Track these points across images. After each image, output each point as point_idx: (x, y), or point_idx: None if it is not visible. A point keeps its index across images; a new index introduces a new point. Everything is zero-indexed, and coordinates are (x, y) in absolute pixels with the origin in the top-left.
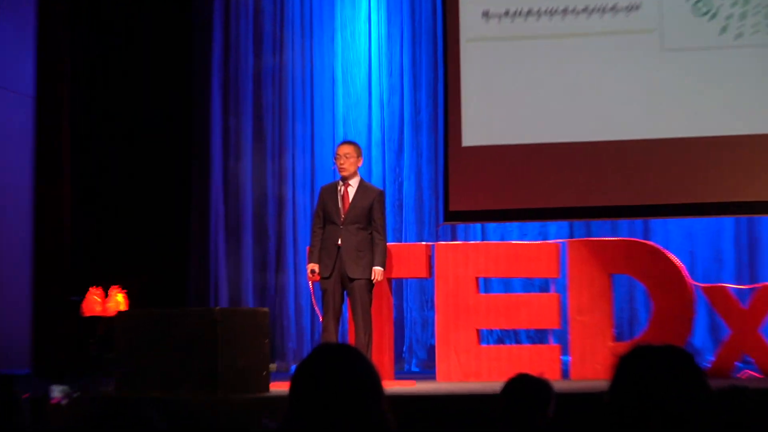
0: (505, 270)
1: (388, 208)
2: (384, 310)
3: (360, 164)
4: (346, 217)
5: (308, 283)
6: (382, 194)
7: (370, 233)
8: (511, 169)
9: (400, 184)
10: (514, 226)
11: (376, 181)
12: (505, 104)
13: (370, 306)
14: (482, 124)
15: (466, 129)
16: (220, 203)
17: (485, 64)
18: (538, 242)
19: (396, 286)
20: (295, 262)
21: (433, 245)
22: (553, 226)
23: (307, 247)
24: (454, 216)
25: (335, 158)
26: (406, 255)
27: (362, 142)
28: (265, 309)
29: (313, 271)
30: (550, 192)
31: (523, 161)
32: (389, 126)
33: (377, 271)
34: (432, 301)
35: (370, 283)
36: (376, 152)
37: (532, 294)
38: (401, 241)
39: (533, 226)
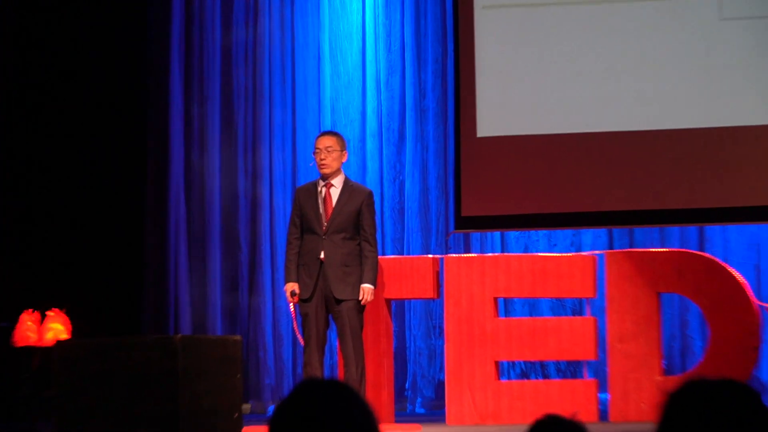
0: (529, 289)
1: (387, 214)
2: (382, 339)
3: (344, 159)
4: (329, 225)
5: (288, 306)
6: (371, 196)
7: (359, 244)
8: (537, 165)
9: (401, 184)
10: (540, 234)
11: (371, 181)
12: (531, 85)
13: (362, 332)
14: (502, 110)
15: (481, 116)
16: (182, 208)
17: (506, 36)
18: (570, 254)
19: (396, 308)
20: (273, 279)
21: (442, 259)
22: (588, 234)
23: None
24: (468, 222)
25: (314, 153)
26: (409, 270)
27: (354, 133)
28: (237, 337)
29: (293, 293)
30: (585, 193)
31: (551, 156)
32: (388, 113)
33: (366, 290)
34: (441, 327)
35: (361, 305)
36: (371, 145)
37: (563, 318)
38: (403, 254)
39: (564, 234)
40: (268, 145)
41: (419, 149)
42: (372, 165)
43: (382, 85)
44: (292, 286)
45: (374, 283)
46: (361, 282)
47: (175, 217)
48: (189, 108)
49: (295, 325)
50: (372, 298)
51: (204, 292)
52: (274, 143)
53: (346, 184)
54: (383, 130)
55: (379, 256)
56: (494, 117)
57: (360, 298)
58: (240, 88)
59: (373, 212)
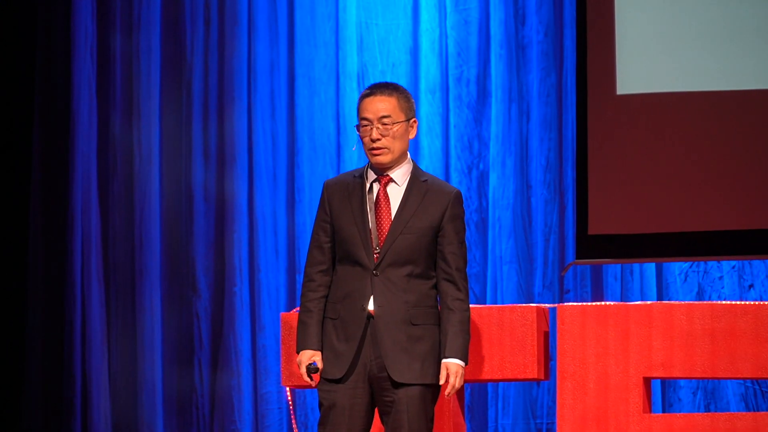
0: (706, 363)
1: None
2: None
3: (413, 135)
4: (385, 252)
5: (287, 391)
6: (460, 199)
7: (434, 286)
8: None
9: (482, 178)
10: (725, 267)
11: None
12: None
13: None
14: (655, 55)
15: (623, 62)
16: (94, 215)
17: None
18: None
19: (473, 397)
20: (254, 342)
21: (554, 309)
22: None
23: (297, 311)
24: (600, 246)
25: (360, 126)
26: (497, 331)
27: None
28: None
29: (312, 368)
30: None
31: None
32: (458, 51)
33: (452, 370)
34: (549, 427)
35: (435, 395)
36: (428, 107)
37: (766, 414)
38: (485, 302)
39: (761, 267)
40: (246, 108)
41: (514, 116)
42: (429, 143)
43: (448, 1)
44: (310, 356)
45: (466, 359)
46: (442, 355)
47: (81, 231)
48: (106, 38)
49: (293, 421)
50: (461, 384)
51: (132, 367)
52: (257, 104)
53: (416, 179)
54: (450, 80)
55: None
56: (644, 64)
57: (438, 382)
58: (197, 5)
59: (462, 230)
